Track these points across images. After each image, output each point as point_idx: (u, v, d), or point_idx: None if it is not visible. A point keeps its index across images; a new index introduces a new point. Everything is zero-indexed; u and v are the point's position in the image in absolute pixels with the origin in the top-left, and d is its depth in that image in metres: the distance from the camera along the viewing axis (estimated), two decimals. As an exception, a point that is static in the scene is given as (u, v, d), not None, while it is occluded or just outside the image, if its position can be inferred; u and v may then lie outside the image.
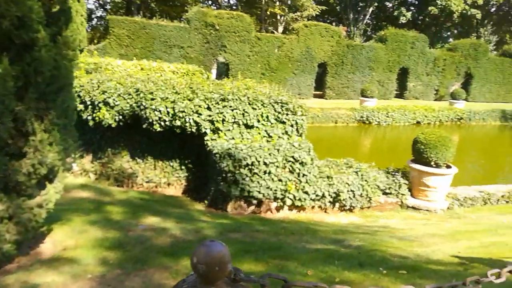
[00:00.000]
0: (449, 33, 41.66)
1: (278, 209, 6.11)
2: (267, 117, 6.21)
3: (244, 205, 5.92)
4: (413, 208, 6.85)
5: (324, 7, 27.71)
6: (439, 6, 30.54)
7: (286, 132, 6.34)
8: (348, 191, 6.32)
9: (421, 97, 24.75)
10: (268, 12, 24.79)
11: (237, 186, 5.64)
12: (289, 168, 5.88)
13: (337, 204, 6.37)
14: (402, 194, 6.93)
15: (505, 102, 27.09)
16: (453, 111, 19.07)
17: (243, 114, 6.06)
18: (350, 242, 4.32)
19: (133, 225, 4.26)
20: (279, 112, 6.29)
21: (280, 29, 28.30)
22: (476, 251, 4.00)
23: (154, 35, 17.46)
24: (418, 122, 17.89)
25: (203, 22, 18.14)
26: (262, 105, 6.18)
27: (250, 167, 5.65)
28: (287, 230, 4.91)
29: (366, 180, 6.52)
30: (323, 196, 6.18)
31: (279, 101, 6.28)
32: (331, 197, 6.25)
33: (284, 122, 6.33)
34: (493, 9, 38.78)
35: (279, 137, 6.25)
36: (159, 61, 11.67)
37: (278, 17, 28.30)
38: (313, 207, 6.29)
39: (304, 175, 5.95)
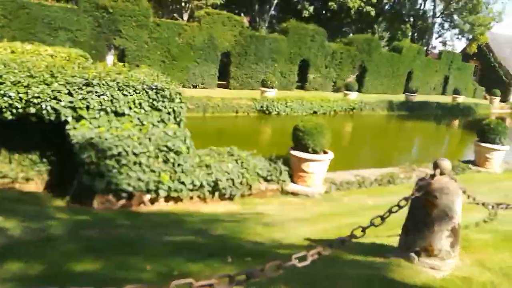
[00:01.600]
0: (348, 29, 44.50)
1: (152, 201, 5.80)
2: (140, 104, 5.83)
3: (113, 199, 5.50)
4: (293, 193, 7.04)
5: (229, -3, 27.59)
6: (338, 2, 32.33)
7: (162, 120, 6.04)
8: (227, 179, 6.25)
9: (321, 88, 26.10)
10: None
11: (103, 178, 5.20)
12: (163, 158, 5.60)
13: (216, 193, 6.27)
14: (283, 181, 7.09)
15: (394, 94, 29.87)
16: (347, 102, 20.43)
17: (111, 100, 5.60)
18: (213, 232, 4.22)
19: (-43, 229, 3.63)
20: (154, 99, 5.95)
21: (186, 16, 27.55)
22: (330, 232, 4.16)
23: (35, 16, 15.65)
24: (315, 112, 18.78)
25: (94, 4, 16.76)
26: (134, 91, 5.78)
27: (117, 157, 5.25)
28: (153, 223, 4.65)
29: (246, 168, 6.52)
30: (202, 185, 6.03)
31: (154, 87, 5.93)
32: (210, 186, 6.12)
33: (160, 110, 6.01)
34: (386, 7, 42.44)
35: (154, 125, 5.92)
36: (36, 43, 10.43)
37: (183, 4, 27.52)
38: (191, 197, 6.10)
39: (179, 164, 5.72)
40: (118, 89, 5.64)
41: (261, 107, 17.04)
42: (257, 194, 6.80)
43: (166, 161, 5.61)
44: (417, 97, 26.17)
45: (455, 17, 44.62)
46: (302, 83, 25.66)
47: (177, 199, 5.95)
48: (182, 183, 5.79)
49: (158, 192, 5.61)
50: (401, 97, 26.56)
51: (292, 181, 7.27)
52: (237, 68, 21.72)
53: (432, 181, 2.89)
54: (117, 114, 5.68)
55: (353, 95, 21.93)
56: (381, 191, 7.73)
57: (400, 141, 16.79)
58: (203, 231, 4.24)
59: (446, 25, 47.10)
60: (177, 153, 5.64)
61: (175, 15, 28.30)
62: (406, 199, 2.76)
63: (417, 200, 2.94)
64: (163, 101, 5.95)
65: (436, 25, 46.28)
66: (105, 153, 5.10)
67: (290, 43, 23.66)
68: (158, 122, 5.95)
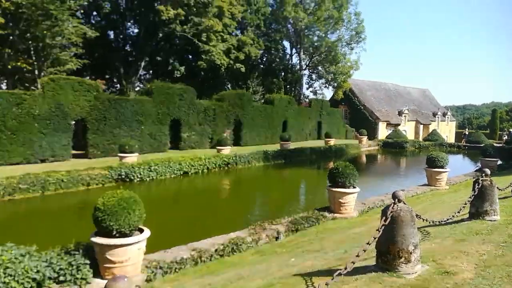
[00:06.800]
0: (225, 85, 45.52)
1: None
2: None
3: None
4: (97, 294, 5.35)
5: (86, 61, 25.73)
6: (206, 61, 32.74)
7: None
8: (-26, 300, 4.34)
9: (197, 146, 25.12)
10: (9, 67, 21.06)
11: None
12: None
13: (-42, 325, 4.29)
14: (83, 279, 5.37)
15: (272, 144, 30.30)
16: (220, 157, 19.55)
17: None
18: None
19: None
20: None
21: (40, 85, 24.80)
22: None
23: None
24: (186, 173, 17.45)
25: None
26: None
27: None
28: None
29: (11, 275, 4.68)
30: None
31: None
32: None
33: None
34: (255, 63, 44.62)
35: None
36: None
37: (36, 72, 24.83)
38: None
39: None
40: None
41: (119, 175, 15.05)
42: (40, 307, 4.94)
43: None
44: (292, 145, 26.72)
45: (320, 68, 48.88)
46: (177, 143, 24.41)
47: None
48: None
49: None
50: (278, 147, 26.85)
51: (100, 275, 5.59)
52: (96, 135, 19.58)
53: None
54: None
55: (227, 150, 21.26)
56: (221, 265, 6.47)
57: (267, 193, 16.10)
58: None
59: (314, 76, 51.36)
60: None
61: (28, 84, 25.31)
62: None
63: None
64: None
65: (305, 77, 50.15)
66: None
67: (157, 104, 22.50)
68: None
